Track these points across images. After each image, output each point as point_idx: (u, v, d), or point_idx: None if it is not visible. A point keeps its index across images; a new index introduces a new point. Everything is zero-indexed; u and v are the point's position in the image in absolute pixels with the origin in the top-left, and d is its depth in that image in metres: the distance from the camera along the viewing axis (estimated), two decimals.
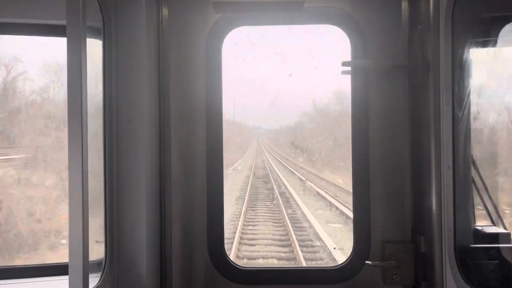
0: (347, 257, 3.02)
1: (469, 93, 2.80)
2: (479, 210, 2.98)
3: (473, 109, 2.88)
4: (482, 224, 2.98)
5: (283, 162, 21.87)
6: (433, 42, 2.59)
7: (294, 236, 10.97)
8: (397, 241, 2.92)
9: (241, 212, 13.07)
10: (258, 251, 10.26)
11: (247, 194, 15.62)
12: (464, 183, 2.80)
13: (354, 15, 2.95)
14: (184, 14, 3.00)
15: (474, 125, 2.93)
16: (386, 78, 2.95)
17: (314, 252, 10.30)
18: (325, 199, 15.25)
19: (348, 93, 2.99)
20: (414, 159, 2.91)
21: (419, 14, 2.78)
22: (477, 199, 2.95)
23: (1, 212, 5.86)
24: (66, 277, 2.03)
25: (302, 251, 10.11)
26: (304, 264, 9.90)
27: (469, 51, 2.83)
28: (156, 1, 2.90)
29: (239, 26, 3.05)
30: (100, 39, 2.63)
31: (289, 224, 12.08)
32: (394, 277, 2.88)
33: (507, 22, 2.89)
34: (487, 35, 2.94)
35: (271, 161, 22.61)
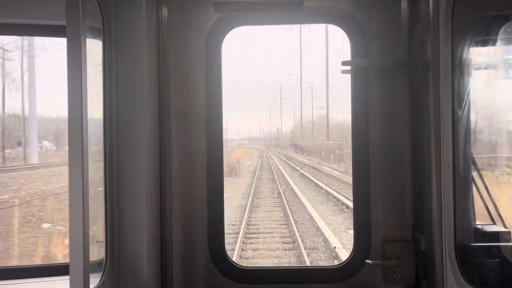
0: (348, 256, 3.02)
1: (469, 92, 2.80)
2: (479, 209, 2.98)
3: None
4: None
5: None
6: (433, 41, 2.59)
7: None
8: (397, 240, 2.92)
9: None
10: None
11: None
12: (464, 181, 2.80)
13: (354, 14, 2.95)
14: (184, 14, 3.00)
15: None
16: (386, 77, 2.95)
17: None
18: None
19: None
20: (414, 158, 2.91)
21: (419, 13, 2.78)
22: (477, 198, 2.95)
23: None
24: (67, 277, 2.03)
25: None
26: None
27: (469, 49, 2.83)
28: (156, 1, 2.90)
29: (239, 25, 3.05)
30: (100, 39, 2.63)
31: None
32: (394, 276, 2.88)
33: (507, 20, 2.89)
34: (487, 34, 2.94)
35: None
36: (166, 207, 2.96)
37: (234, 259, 4.80)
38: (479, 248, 2.81)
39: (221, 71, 3.03)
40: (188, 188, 3.02)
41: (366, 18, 2.95)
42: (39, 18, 2.83)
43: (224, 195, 3.03)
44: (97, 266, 2.57)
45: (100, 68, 2.64)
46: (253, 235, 12.23)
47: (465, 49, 2.79)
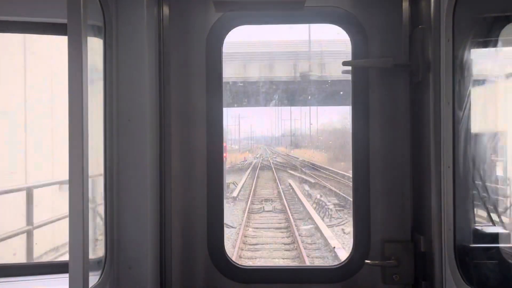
0: (347, 256, 3.02)
1: (469, 93, 2.79)
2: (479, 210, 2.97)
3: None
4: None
5: None
6: (434, 42, 2.59)
7: None
8: (396, 241, 2.92)
9: None
10: None
11: None
12: (464, 182, 2.80)
13: (355, 15, 2.95)
14: (185, 13, 3.00)
15: None
16: (387, 77, 2.95)
17: None
18: None
19: None
20: (414, 159, 2.91)
21: (420, 13, 2.78)
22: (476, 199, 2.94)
23: None
24: (66, 275, 2.03)
25: None
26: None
27: (470, 51, 2.83)
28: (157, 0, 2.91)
29: (240, 25, 3.05)
30: (101, 38, 2.63)
31: None
32: (393, 276, 2.88)
33: (508, 22, 2.89)
34: (488, 35, 2.93)
35: None
36: (166, 206, 2.95)
37: None
38: (479, 249, 2.80)
39: (221, 70, 3.03)
40: (188, 187, 3.02)
41: (367, 18, 2.95)
42: (40, 16, 2.84)
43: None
44: (96, 264, 2.57)
45: (100, 67, 2.64)
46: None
47: (467, 50, 2.78)
